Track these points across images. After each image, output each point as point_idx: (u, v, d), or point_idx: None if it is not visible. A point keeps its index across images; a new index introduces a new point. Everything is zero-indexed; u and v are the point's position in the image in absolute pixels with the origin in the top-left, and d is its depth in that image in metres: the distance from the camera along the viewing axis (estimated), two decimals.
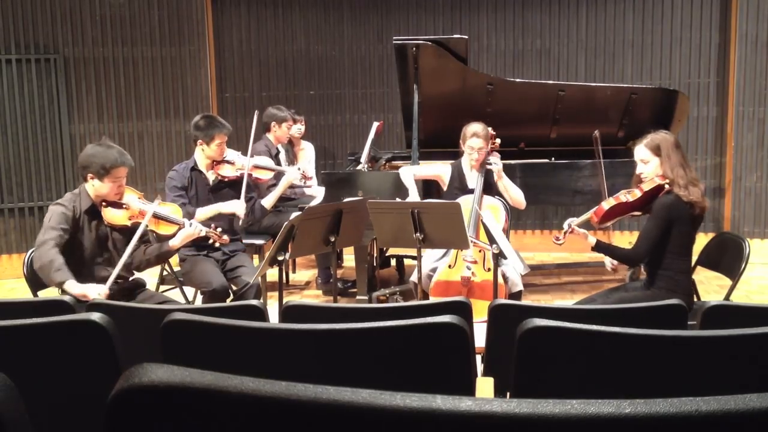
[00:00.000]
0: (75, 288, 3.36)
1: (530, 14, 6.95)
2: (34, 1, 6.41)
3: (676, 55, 6.78)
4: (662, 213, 3.44)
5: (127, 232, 3.73)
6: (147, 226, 3.66)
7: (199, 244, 4.37)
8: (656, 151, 3.51)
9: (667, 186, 3.48)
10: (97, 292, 3.36)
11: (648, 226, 3.50)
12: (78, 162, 3.70)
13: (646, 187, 3.52)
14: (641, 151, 3.56)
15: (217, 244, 4.09)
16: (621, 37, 6.86)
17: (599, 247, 3.59)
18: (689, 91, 6.65)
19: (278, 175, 5.13)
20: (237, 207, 4.44)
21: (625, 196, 3.56)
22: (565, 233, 3.58)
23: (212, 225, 4.05)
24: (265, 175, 4.88)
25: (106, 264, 3.68)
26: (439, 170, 4.77)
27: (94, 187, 3.61)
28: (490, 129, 4.67)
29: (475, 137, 4.51)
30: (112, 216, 3.66)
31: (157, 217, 3.73)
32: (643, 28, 6.81)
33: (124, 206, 3.68)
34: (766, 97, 6.53)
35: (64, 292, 3.39)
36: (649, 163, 3.53)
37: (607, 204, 3.57)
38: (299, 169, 5.27)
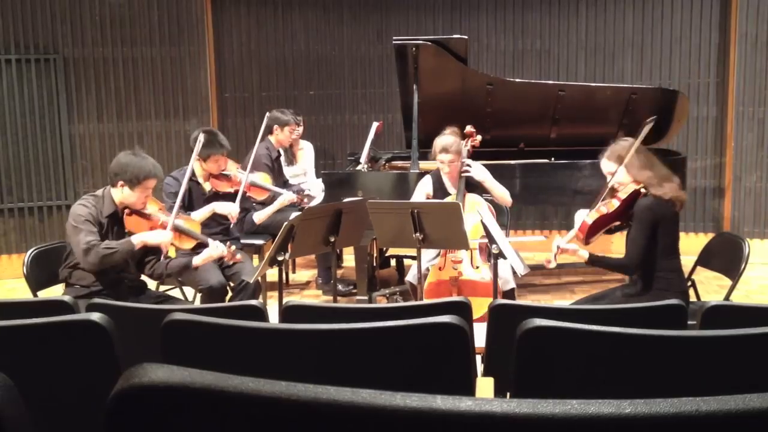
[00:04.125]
0: (150, 238, 3.63)
1: (530, 14, 6.95)
2: (34, 1, 6.41)
3: (676, 55, 6.78)
4: (645, 215, 3.45)
5: None
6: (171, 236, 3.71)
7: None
8: (619, 160, 3.54)
9: (643, 190, 3.49)
10: (167, 239, 3.65)
11: (634, 231, 3.50)
12: (110, 168, 3.70)
13: (623, 194, 3.53)
14: (605, 165, 3.60)
15: (230, 263, 4.13)
16: (621, 37, 6.86)
17: (593, 260, 3.58)
18: (689, 91, 6.64)
19: (275, 194, 5.13)
20: (231, 208, 4.46)
21: (605, 207, 3.56)
22: (555, 255, 3.55)
23: (228, 243, 4.05)
24: (260, 196, 4.91)
25: (119, 270, 3.68)
26: (424, 188, 4.67)
27: (122, 195, 3.63)
28: (469, 127, 4.61)
29: (444, 152, 4.42)
30: (135, 225, 3.68)
31: (177, 230, 3.75)
32: (643, 28, 6.81)
33: (147, 216, 3.70)
34: (766, 97, 6.53)
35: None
36: (617, 174, 3.55)
37: (590, 218, 3.56)
38: (297, 192, 5.27)
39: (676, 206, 3.47)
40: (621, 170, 3.52)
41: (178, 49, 6.82)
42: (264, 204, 5.12)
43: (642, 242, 3.45)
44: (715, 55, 6.73)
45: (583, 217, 3.61)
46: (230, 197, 4.56)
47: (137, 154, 3.67)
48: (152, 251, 3.75)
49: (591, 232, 3.57)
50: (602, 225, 3.59)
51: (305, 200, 5.22)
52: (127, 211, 3.68)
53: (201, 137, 4.38)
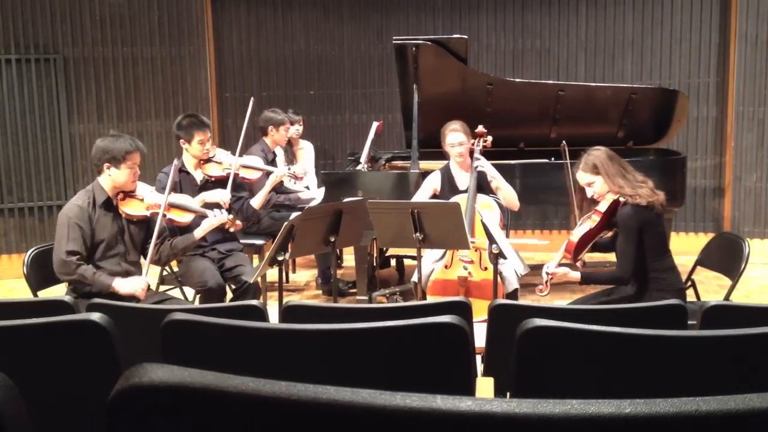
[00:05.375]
0: (124, 287, 3.56)
1: (530, 14, 6.95)
2: (34, 1, 6.41)
3: (676, 55, 6.78)
4: (628, 224, 3.47)
5: (144, 224, 3.78)
6: (165, 215, 3.68)
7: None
8: (594, 170, 3.56)
9: (621, 198, 3.51)
10: (141, 287, 3.58)
11: (621, 242, 3.52)
12: (91, 157, 3.76)
13: (603, 207, 3.55)
14: (582, 177, 3.63)
15: (232, 230, 4.11)
16: (621, 37, 6.86)
17: (586, 279, 3.60)
18: (689, 91, 6.64)
19: (267, 175, 5.10)
20: (221, 195, 4.37)
21: (588, 223, 3.58)
22: (546, 282, 3.55)
23: (228, 214, 4.06)
24: (253, 175, 4.82)
25: (120, 258, 3.70)
26: (432, 183, 4.71)
27: (111, 177, 3.65)
28: (480, 127, 4.65)
29: (453, 132, 4.51)
30: (130, 207, 3.70)
31: (172, 205, 3.77)
32: (643, 28, 6.81)
33: (139, 197, 3.72)
34: (766, 97, 6.53)
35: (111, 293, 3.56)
36: (594, 184, 3.58)
37: (575, 237, 3.58)
38: (289, 168, 5.24)
39: (656, 209, 3.49)
40: (599, 179, 3.55)
41: (178, 49, 6.82)
42: (253, 194, 5.09)
43: (631, 251, 3.47)
44: (715, 55, 6.73)
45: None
46: (222, 184, 4.51)
47: (113, 135, 3.74)
48: (150, 236, 3.74)
49: (578, 249, 3.59)
50: (588, 240, 3.61)
51: (298, 175, 5.22)
52: (120, 196, 3.69)
53: (183, 121, 4.41)
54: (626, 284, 3.58)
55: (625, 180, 3.51)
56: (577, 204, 3.71)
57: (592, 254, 3.81)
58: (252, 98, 5.03)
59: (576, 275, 3.55)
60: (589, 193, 3.62)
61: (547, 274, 3.54)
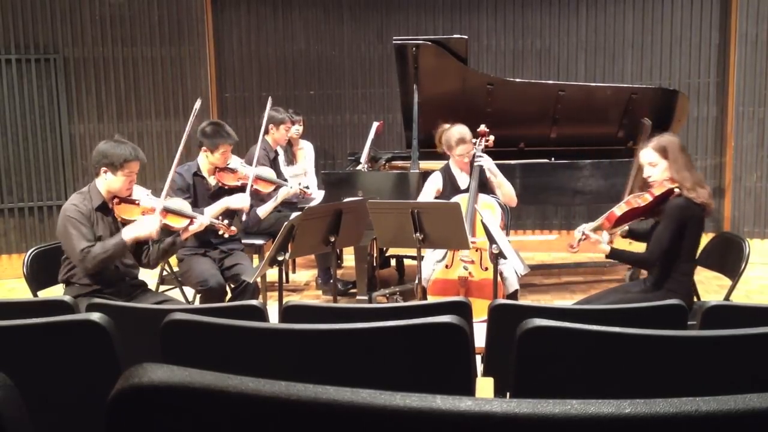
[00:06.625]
0: (140, 231, 3.60)
1: (530, 14, 6.95)
2: (34, 1, 6.41)
3: (676, 55, 6.78)
4: (676, 215, 3.44)
5: None
6: (161, 220, 3.68)
7: (197, 243, 4.37)
8: (663, 153, 3.51)
9: (677, 190, 3.48)
10: (155, 228, 3.61)
11: (661, 228, 3.50)
12: (91, 158, 3.74)
13: (657, 191, 3.52)
14: (649, 154, 3.55)
15: (226, 235, 4.10)
16: (621, 37, 6.86)
17: (614, 253, 3.60)
18: (689, 91, 6.64)
19: (279, 187, 5.12)
20: (244, 201, 4.42)
21: (636, 200, 3.56)
22: (579, 240, 3.56)
23: (219, 217, 4.07)
24: (266, 188, 4.87)
25: (120, 272, 3.69)
26: (434, 184, 4.72)
27: (107, 182, 3.63)
28: (483, 126, 4.66)
29: (462, 144, 4.50)
30: (125, 212, 3.69)
31: (167, 210, 3.76)
32: (643, 28, 6.81)
33: (135, 202, 3.71)
34: (766, 97, 6.53)
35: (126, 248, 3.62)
36: (657, 166, 3.52)
37: (619, 210, 3.56)
38: (300, 184, 5.26)
39: (706, 212, 3.49)
40: (663, 164, 3.51)
41: (178, 49, 6.82)
42: (263, 201, 5.11)
43: (667, 240, 3.45)
44: (715, 55, 6.73)
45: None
46: (236, 191, 4.52)
47: (115, 140, 3.70)
48: (144, 241, 3.75)
49: (618, 222, 3.58)
50: (630, 217, 3.60)
51: (307, 192, 5.23)
52: (115, 200, 3.68)
53: (208, 128, 4.39)
54: (649, 269, 3.58)
55: (689, 174, 3.49)
56: (637, 185, 3.68)
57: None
58: (270, 98, 5.03)
59: (606, 247, 3.56)
60: (646, 173, 3.57)
61: (582, 233, 3.56)
